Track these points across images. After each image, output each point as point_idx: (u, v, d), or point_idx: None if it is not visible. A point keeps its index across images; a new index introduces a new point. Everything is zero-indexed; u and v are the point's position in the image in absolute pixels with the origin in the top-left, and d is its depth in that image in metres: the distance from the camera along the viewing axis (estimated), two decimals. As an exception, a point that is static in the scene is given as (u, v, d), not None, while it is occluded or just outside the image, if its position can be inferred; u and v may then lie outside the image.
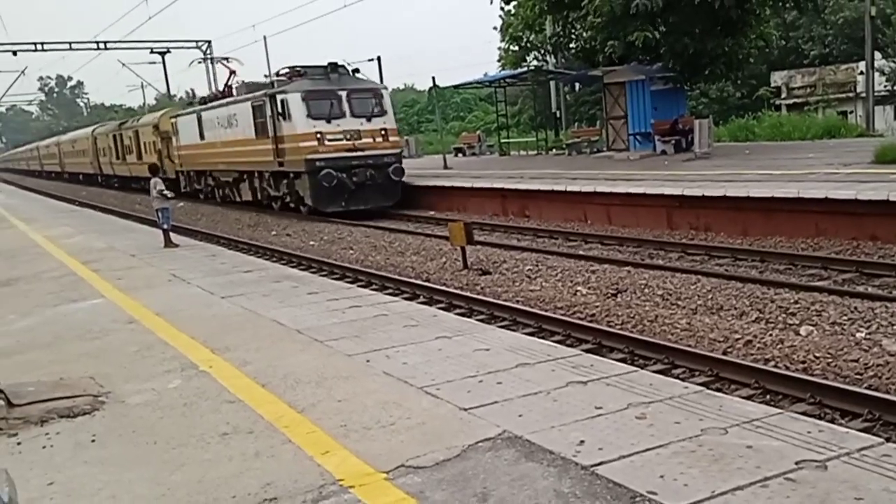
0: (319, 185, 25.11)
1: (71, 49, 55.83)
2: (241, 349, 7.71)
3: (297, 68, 27.16)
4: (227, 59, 36.95)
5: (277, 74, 28.29)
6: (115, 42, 55.77)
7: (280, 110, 25.92)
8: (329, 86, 26.06)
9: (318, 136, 25.17)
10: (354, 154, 25.49)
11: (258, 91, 28.49)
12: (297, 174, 26.28)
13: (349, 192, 25.44)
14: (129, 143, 46.08)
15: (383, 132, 26.24)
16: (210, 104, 33.86)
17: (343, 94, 25.93)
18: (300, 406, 5.93)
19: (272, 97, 26.59)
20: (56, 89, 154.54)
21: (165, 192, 16.92)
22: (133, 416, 6.09)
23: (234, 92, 31.66)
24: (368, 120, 26.04)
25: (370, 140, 25.93)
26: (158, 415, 6.06)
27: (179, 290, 11.52)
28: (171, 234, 17.15)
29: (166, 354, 7.77)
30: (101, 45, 54.89)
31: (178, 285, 11.92)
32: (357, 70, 27.91)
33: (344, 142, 25.46)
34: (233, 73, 35.19)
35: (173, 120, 38.35)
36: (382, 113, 26.43)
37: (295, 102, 25.64)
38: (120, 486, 4.81)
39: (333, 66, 26.71)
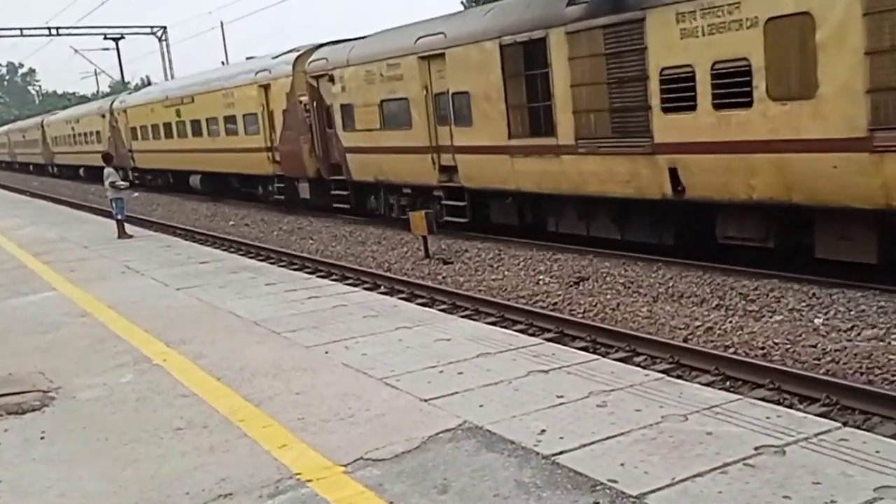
0: None
1: (22, 35, 54.64)
2: (197, 342, 7.57)
3: None
4: None
5: None
6: (68, 28, 54.64)
7: None
8: None
9: None
10: None
11: None
12: None
13: None
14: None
15: None
16: None
17: None
18: (257, 399, 5.82)
19: None
20: (7, 76, 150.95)
21: (118, 182, 16.62)
22: (84, 411, 5.95)
23: None
24: None
25: None
26: (110, 410, 5.92)
27: (133, 281, 11.32)
28: (126, 224, 16.89)
29: (119, 348, 7.60)
30: (53, 31, 53.68)
31: (131, 277, 11.71)
32: None
33: None
34: None
35: None
36: None
37: None
38: (70, 484, 4.68)
39: None
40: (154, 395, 6.15)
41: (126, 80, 66.89)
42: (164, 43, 56.49)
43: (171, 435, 5.30)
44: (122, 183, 16.93)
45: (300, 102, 21.60)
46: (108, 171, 16.85)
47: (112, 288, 10.78)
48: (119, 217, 16.57)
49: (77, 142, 45.63)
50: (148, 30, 57.11)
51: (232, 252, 17.30)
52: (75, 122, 45.53)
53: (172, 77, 51.59)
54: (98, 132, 41.17)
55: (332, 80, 20.07)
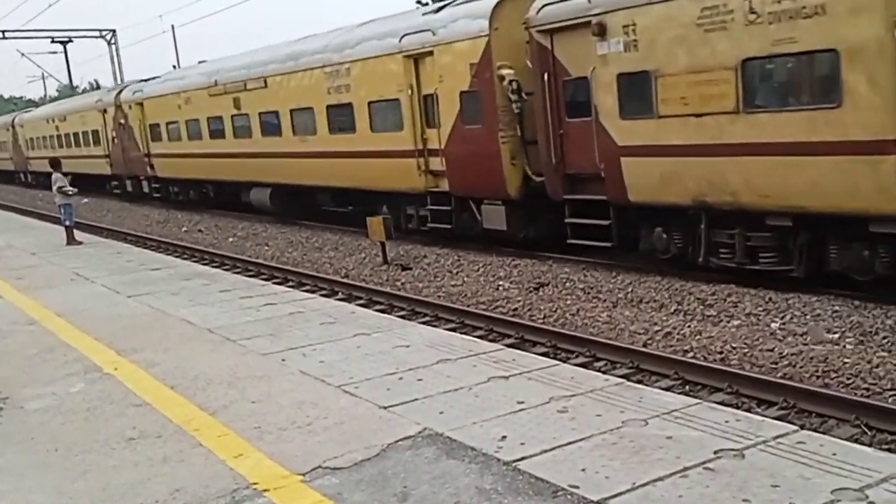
0: None
1: (-33, 39, 53.15)
2: (149, 350, 7.42)
3: None
4: None
5: None
6: (14, 31, 53.44)
7: None
8: None
9: None
10: None
11: None
12: None
13: None
14: None
15: None
16: None
17: None
18: (211, 408, 5.71)
19: None
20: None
21: (67, 188, 16.30)
22: (33, 422, 5.79)
23: None
24: None
25: None
26: (60, 420, 5.77)
27: (83, 289, 11.10)
28: (75, 230, 16.59)
29: (68, 357, 7.42)
30: (-1, 34, 52.46)
31: (81, 284, 11.48)
32: None
33: None
34: None
35: None
36: None
37: None
38: (18, 496, 4.54)
39: None
40: (105, 404, 6.01)
41: (74, 84, 65.67)
42: (113, 46, 55.47)
43: (123, 445, 5.17)
44: (71, 189, 16.60)
45: (501, 78, 13.58)
46: (55, 176, 16.55)
47: (61, 295, 10.56)
48: (68, 223, 16.29)
49: (63, 144, 37.34)
50: (97, 33, 56.05)
51: (185, 258, 17.04)
52: (61, 121, 37.88)
53: (122, 81, 50.42)
54: (95, 132, 33.20)
55: (599, 31, 11.76)
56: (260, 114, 21.06)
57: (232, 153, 22.72)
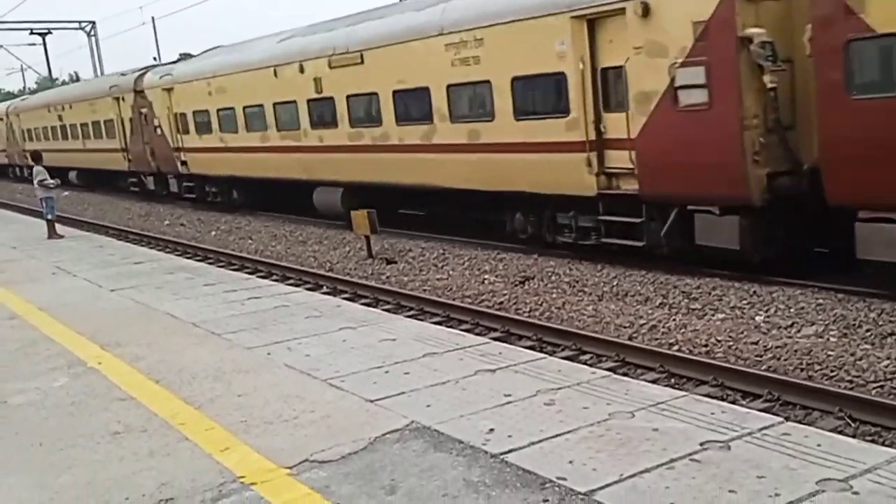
0: None
1: (-55, 30, 52.41)
2: (133, 344, 7.37)
3: None
4: None
5: None
6: (-8, 23, 52.67)
7: None
8: None
9: None
10: None
11: None
12: None
13: None
14: None
15: None
16: None
17: None
18: (197, 402, 5.68)
19: None
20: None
21: (48, 181, 16.14)
22: (16, 417, 5.75)
23: None
24: None
25: None
26: (43, 415, 5.73)
27: (65, 283, 11.01)
28: (56, 224, 16.43)
29: (51, 351, 7.36)
30: (-22, 27, 51.73)
31: (63, 278, 11.39)
32: None
33: None
34: None
35: None
36: None
37: None
38: (2, 492, 4.51)
39: None
40: (89, 399, 5.96)
41: (54, 76, 64.96)
42: (93, 38, 54.86)
43: (108, 440, 5.13)
44: (52, 181, 16.43)
45: None
46: (37, 169, 16.39)
47: (43, 290, 10.47)
48: (49, 217, 16.12)
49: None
50: (76, 25, 55.40)
51: (168, 252, 16.95)
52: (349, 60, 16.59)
53: (102, 73, 49.51)
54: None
55: None
56: None
57: None
